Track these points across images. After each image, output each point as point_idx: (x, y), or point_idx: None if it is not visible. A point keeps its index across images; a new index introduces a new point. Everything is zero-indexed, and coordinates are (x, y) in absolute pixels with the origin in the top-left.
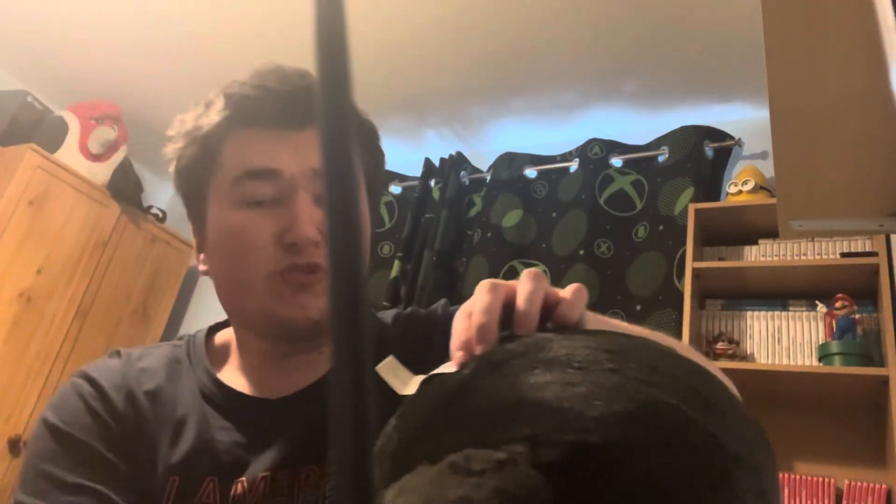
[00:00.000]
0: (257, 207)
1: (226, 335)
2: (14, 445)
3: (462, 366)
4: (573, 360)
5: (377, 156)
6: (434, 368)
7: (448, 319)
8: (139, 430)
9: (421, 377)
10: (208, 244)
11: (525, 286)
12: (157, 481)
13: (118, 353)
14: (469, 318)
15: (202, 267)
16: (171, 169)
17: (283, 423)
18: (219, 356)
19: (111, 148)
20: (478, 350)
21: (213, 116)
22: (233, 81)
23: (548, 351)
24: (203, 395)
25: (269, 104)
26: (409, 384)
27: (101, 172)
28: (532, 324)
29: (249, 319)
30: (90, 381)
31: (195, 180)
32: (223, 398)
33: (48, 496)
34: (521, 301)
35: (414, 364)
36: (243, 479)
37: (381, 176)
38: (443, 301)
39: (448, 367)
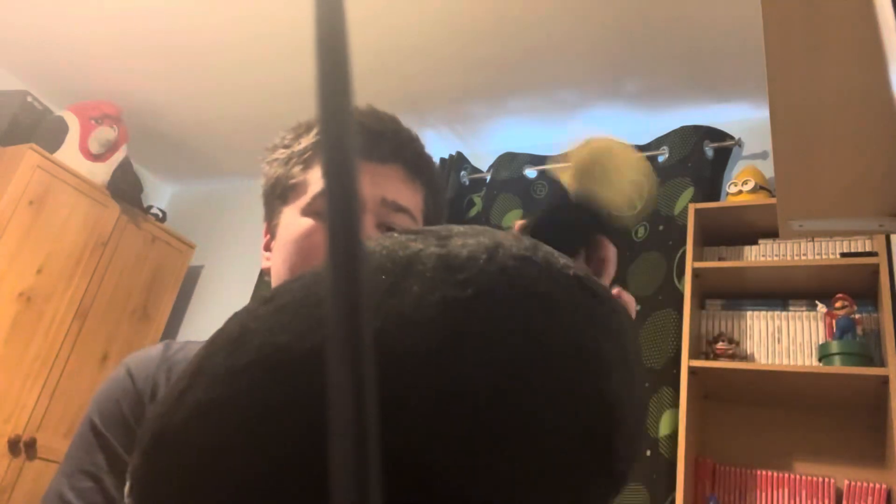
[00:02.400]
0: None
1: None
2: (14, 445)
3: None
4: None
5: (434, 187)
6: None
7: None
8: None
9: None
10: (275, 242)
11: None
12: None
13: (164, 343)
14: None
15: (265, 264)
16: (265, 176)
17: None
18: None
19: (111, 148)
20: None
21: (311, 137)
22: None
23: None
24: None
25: (360, 136)
26: None
27: (101, 172)
28: None
29: None
30: (128, 371)
31: (283, 188)
32: None
33: (68, 475)
34: None
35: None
36: None
37: (440, 208)
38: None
39: None
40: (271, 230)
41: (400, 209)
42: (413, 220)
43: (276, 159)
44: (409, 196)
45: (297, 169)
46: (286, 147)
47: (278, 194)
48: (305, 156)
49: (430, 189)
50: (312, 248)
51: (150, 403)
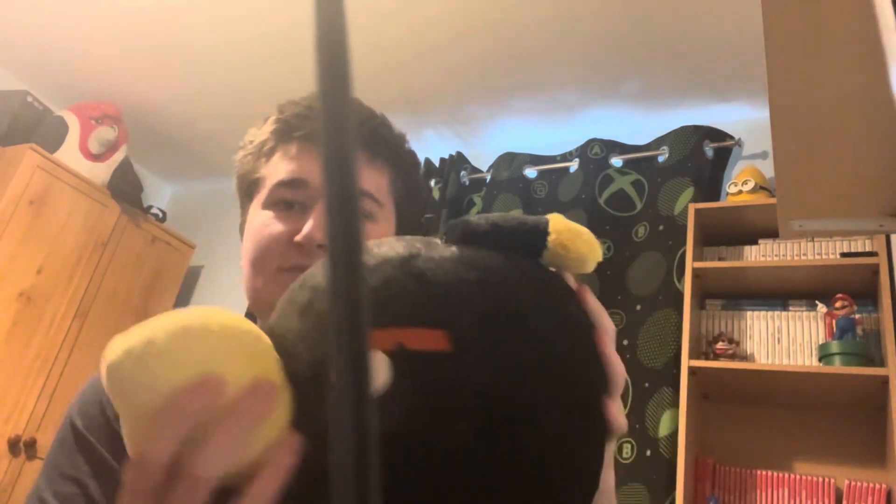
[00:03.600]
0: (286, 209)
1: None
2: (14, 445)
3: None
4: None
5: (404, 166)
6: None
7: None
8: None
9: None
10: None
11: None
12: None
13: None
14: None
15: (242, 262)
16: (236, 174)
17: None
18: None
19: (111, 148)
20: None
21: (267, 129)
22: (289, 101)
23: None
24: None
25: (312, 122)
26: None
27: (101, 172)
28: None
29: (260, 309)
30: None
31: (248, 184)
32: None
33: (50, 480)
34: None
35: None
36: None
37: (415, 189)
38: None
39: None
40: (242, 227)
41: (360, 193)
42: (377, 203)
43: (244, 156)
44: (370, 178)
45: (260, 162)
46: (251, 142)
47: (245, 191)
48: (266, 147)
49: (396, 169)
50: (270, 239)
51: None
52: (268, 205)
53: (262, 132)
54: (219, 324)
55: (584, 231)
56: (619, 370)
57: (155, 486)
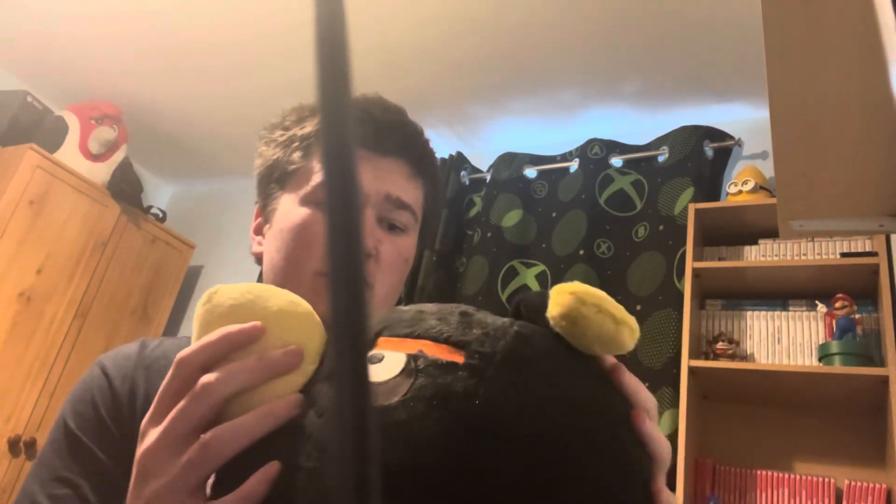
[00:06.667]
0: None
1: None
2: (14, 445)
3: None
4: None
5: (435, 183)
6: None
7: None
8: (136, 426)
9: None
10: (270, 229)
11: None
12: None
13: (140, 342)
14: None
15: (255, 249)
16: (262, 157)
17: None
18: None
19: (111, 148)
20: None
21: (314, 123)
22: None
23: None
24: None
25: (365, 127)
26: None
27: (101, 172)
28: None
29: None
30: (103, 371)
31: (281, 172)
32: None
33: (42, 482)
34: None
35: None
36: None
37: (439, 203)
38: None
39: None
40: (265, 214)
41: (402, 206)
42: (413, 216)
43: (275, 141)
44: (411, 192)
45: (297, 154)
46: (286, 129)
47: (276, 178)
48: (308, 141)
49: (430, 185)
50: (311, 238)
51: (128, 404)
52: (309, 202)
53: (307, 125)
54: (287, 300)
55: (600, 298)
56: (662, 448)
57: (184, 386)
